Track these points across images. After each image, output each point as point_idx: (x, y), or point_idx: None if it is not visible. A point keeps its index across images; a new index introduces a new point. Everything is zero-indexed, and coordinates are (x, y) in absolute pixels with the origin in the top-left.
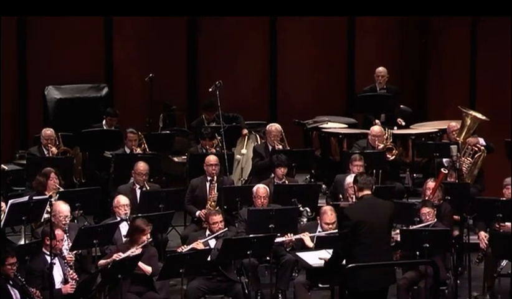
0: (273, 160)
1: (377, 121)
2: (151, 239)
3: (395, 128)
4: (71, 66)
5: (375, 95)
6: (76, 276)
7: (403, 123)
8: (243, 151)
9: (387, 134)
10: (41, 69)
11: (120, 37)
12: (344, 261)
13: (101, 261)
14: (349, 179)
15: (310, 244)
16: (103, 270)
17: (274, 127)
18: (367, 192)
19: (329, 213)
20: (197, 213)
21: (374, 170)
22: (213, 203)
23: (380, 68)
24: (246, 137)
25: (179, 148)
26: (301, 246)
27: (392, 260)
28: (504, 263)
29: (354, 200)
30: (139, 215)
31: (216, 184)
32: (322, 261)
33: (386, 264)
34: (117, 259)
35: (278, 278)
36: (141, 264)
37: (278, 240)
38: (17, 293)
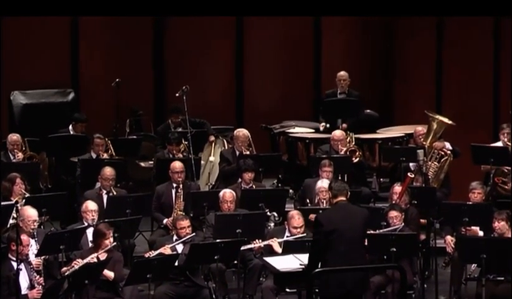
0: (240, 165)
1: (344, 125)
2: (114, 244)
3: (351, 133)
4: (37, 71)
5: (342, 100)
6: (42, 281)
7: (345, 126)
8: (211, 158)
9: (349, 138)
10: (7, 74)
11: (86, 42)
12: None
13: (64, 269)
14: (320, 183)
15: (279, 250)
16: (69, 276)
17: (242, 132)
18: (342, 198)
19: (296, 218)
20: (165, 221)
21: (340, 175)
22: (179, 212)
23: (342, 72)
24: (213, 143)
25: (145, 153)
26: (270, 251)
27: (364, 264)
28: (472, 267)
29: (325, 205)
30: (106, 220)
31: (182, 192)
32: (295, 266)
33: (353, 268)
34: (76, 266)
35: (245, 283)
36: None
37: (247, 247)
38: None
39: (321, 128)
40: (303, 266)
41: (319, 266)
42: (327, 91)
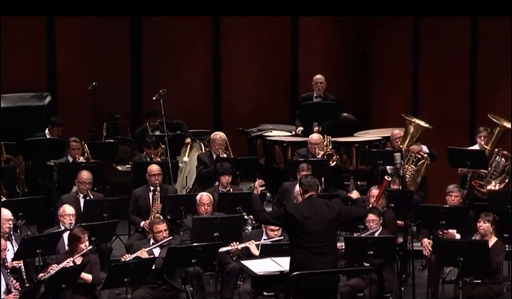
0: (217, 168)
1: (316, 128)
2: (90, 247)
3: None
4: (14, 75)
5: (319, 104)
6: (19, 286)
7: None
8: (185, 158)
9: (326, 141)
10: None
11: (63, 45)
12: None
13: (40, 275)
14: (298, 186)
15: (256, 252)
16: (46, 280)
17: (219, 135)
18: (312, 193)
19: None
20: (142, 224)
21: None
22: (157, 214)
23: (318, 76)
24: (189, 145)
25: (122, 157)
26: (247, 254)
27: (336, 259)
28: (450, 269)
29: None
30: (83, 224)
31: (159, 195)
32: (272, 270)
33: (331, 272)
34: (52, 271)
35: (222, 286)
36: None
37: (224, 249)
38: None
39: (298, 132)
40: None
41: (290, 264)
42: (303, 95)
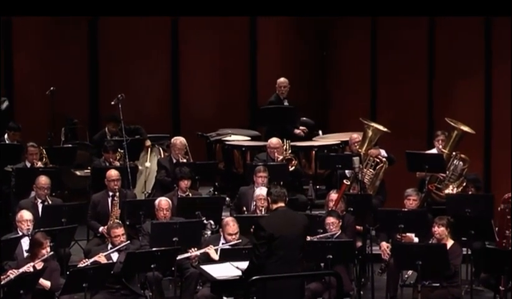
0: (176, 173)
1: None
2: (51, 253)
3: (288, 141)
4: None
5: (278, 108)
6: None
7: (303, 133)
8: (147, 164)
9: (285, 146)
10: None
11: (20, 50)
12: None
13: None
14: (259, 191)
15: (216, 257)
16: (4, 285)
17: (179, 140)
18: (281, 204)
19: (231, 224)
20: (100, 229)
21: (276, 183)
22: (116, 220)
23: (282, 79)
24: (150, 149)
25: (80, 162)
26: (207, 259)
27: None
28: (409, 273)
29: (263, 212)
30: (41, 229)
31: (118, 200)
32: (231, 274)
33: (290, 276)
34: (12, 276)
35: (182, 291)
36: (40, 279)
37: (183, 255)
38: None
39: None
40: (240, 273)
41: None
42: (271, 99)
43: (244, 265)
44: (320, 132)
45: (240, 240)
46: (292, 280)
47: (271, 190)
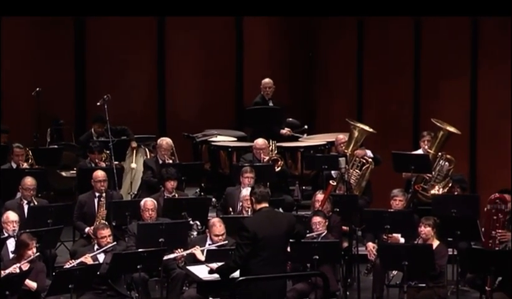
0: (162, 173)
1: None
2: (38, 254)
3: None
4: None
5: (264, 108)
6: None
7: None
8: (133, 165)
9: (271, 146)
10: None
11: (6, 51)
12: (237, 272)
13: None
14: (245, 191)
15: (202, 258)
16: None
17: (166, 141)
18: (265, 204)
19: (217, 225)
20: (86, 229)
21: (262, 184)
22: (102, 220)
23: (267, 80)
24: (136, 150)
25: (66, 163)
26: (193, 260)
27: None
28: (394, 273)
29: (249, 213)
30: (27, 230)
31: (104, 201)
32: (217, 275)
33: (276, 276)
34: None
35: (168, 292)
36: (26, 280)
37: (170, 256)
38: None
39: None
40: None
41: (242, 273)
42: (256, 99)
43: (215, 265)
44: (305, 126)
45: (227, 241)
46: (276, 280)
47: (255, 190)
